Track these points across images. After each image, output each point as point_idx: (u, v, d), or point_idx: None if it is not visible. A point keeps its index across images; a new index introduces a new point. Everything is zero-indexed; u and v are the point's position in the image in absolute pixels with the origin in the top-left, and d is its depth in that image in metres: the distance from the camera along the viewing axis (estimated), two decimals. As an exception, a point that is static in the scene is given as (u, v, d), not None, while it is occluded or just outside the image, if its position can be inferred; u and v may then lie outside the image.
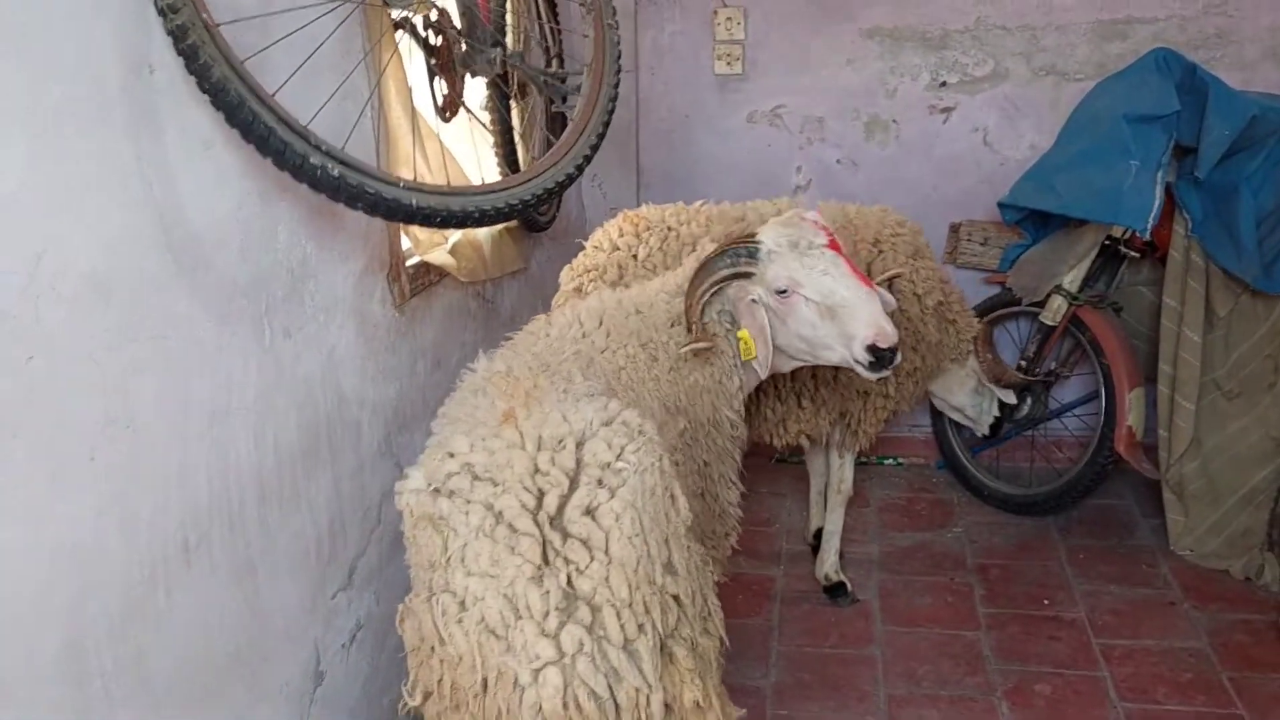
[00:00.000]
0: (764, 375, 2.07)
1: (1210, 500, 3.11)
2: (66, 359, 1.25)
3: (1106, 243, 3.11)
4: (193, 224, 1.50)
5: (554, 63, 2.94)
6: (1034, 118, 3.59)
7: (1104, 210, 2.92)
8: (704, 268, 2.00)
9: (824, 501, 3.13)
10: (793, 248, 2.01)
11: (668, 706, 1.38)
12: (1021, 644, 2.77)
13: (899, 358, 2.01)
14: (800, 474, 3.39)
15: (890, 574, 3.17)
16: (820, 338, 2.02)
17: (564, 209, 3.45)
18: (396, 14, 1.98)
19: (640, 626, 1.34)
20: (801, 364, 2.18)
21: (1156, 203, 2.82)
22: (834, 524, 3.04)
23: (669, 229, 2.62)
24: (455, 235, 2.50)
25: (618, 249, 2.62)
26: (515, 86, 2.81)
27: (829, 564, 3.04)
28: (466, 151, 2.58)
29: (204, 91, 1.38)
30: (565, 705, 1.31)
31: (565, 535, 1.35)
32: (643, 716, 1.34)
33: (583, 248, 2.71)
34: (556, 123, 2.96)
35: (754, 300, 2.03)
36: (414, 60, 2.13)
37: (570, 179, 2.06)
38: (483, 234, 2.69)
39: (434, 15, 1.98)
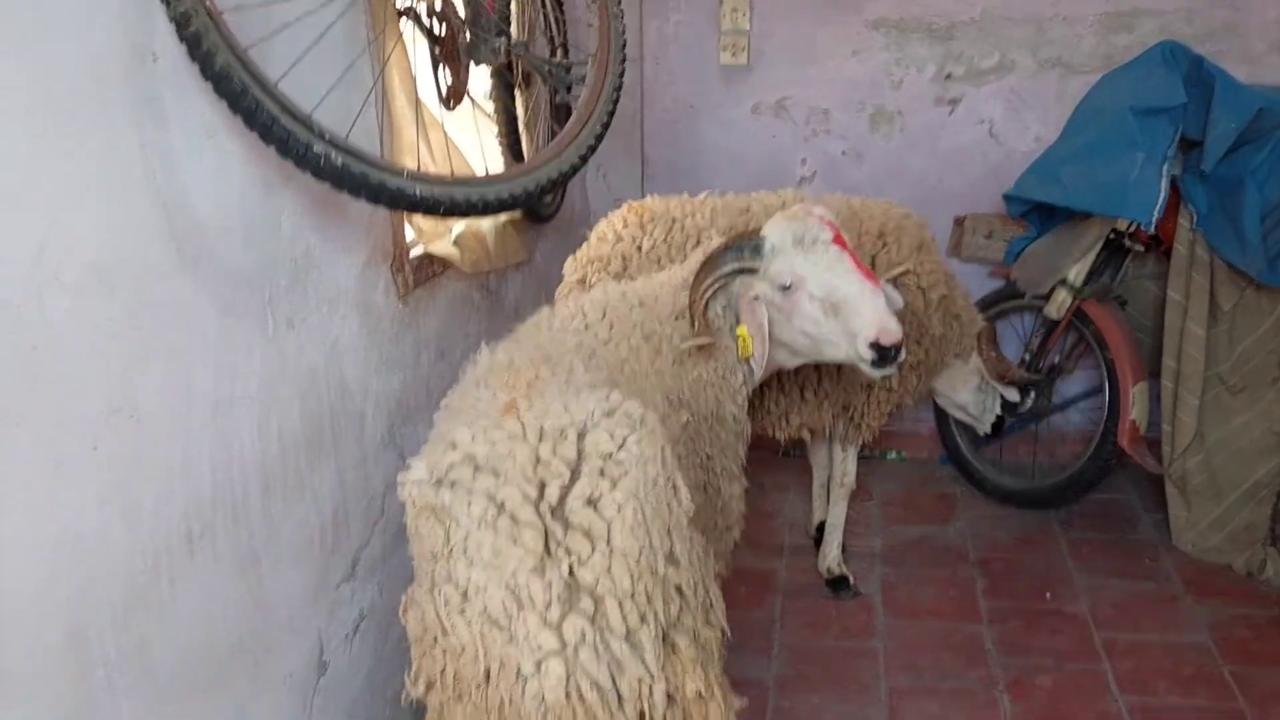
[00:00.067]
0: (759, 374, 2.06)
1: (1213, 495, 3.10)
2: (70, 348, 1.25)
3: (1111, 236, 3.10)
4: (196, 213, 1.50)
5: (559, 52, 2.93)
6: (1040, 110, 3.58)
7: (1109, 203, 2.91)
8: (708, 262, 1.99)
9: (826, 495, 3.13)
10: (797, 243, 2.00)
11: (670, 697, 1.38)
12: (1023, 637, 2.77)
13: (904, 355, 2.00)
14: (803, 467, 3.39)
15: (892, 567, 3.17)
16: (824, 334, 2.02)
17: (568, 200, 3.44)
18: (401, 2, 1.97)
19: (642, 617, 1.34)
20: (806, 361, 2.18)
21: (1161, 196, 2.80)
22: (836, 517, 3.04)
23: (673, 220, 2.61)
24: (459, 226, 2.49)
25: (622, 240, 2.62)
26: (520, 76, 2.80)
27: (831, 557, 3.04)
28: (470, 141, 2.58)
29: (207, 79, 1.37)
30: (568, 695, 1.31)
31: (567, 526, 1.35)
32: (645, 707, 1.34)
33: (587, 239, 2.70)
34: (561, 113, 2.95)
35: (756, 297, 2.02)
36: (418, 49, 2.13)
37: (575, 169, 2.05)
38: (486, 225, 2.68)
39: (438, 3, 1.97)
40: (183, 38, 1.34)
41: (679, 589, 1.43)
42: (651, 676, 1.35)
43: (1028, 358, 3.31)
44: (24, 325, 1.18)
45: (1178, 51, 2.87)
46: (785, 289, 2.01)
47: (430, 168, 2.15)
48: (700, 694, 1.41)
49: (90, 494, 1.29)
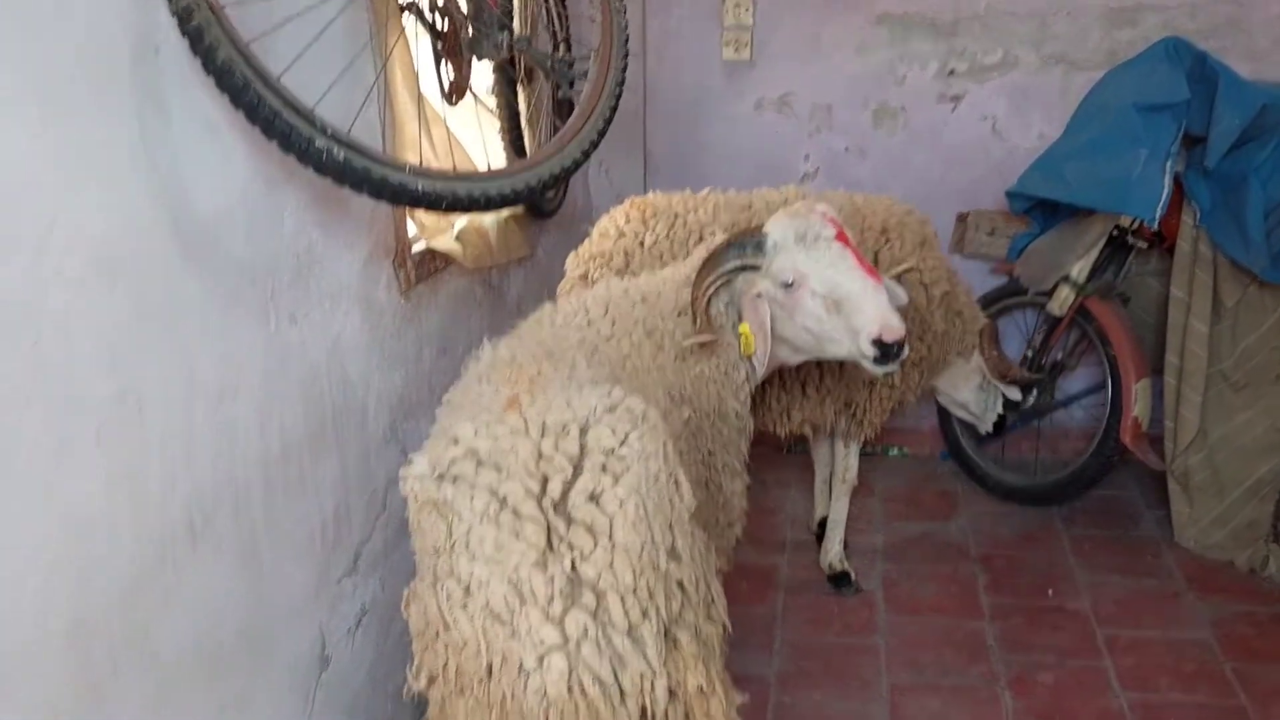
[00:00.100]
0: (761, 372, 2.06)
1: (1215, 492, 3.10)
2: (73, 339, 1.25)
3: (1114, 233, 3.10)
4: (198, 207, 1.50)
5: (561, 47, 2.92)
6: (1043, 106, 3.57)
7: (1112, 200, 2.91)
8: (711, 259, 1.99)
9: (829, 491, 3.13)
10: (799, 240, 2.00)
11: (671, 692, 1.38)
12: (1025, 634, 2.77)
13: (906, 352, 1.99)
14: (805, 463, 3.39)
15: (894, 563, 3.17)
16: (826, 331, 2.01)
17: (570, 195, 3.44)
18: (403, -3, 1.97)
19: (644, 612, 1.34)
20: (809, 358, 2.17)
21: (1165, 192, 2.80)
22: (838, 513, 3.04)
23: (676, 216, 2.61)
24: (461, 221, 2.49)
25: (624, 236, 2.62)
26: (522, 71, 2.80)
27: (833, 553, 3.04)
28: (473, 136, 2.58)
29: (209, 74, 1.37)
30: (570, 690, 1.31)
31: (569, 521, 1.35)
32: (647, 702, 1.34)
33: (589, 235, 2.70)
34: (563, 108, 2.95)
35: (759, 295, 2.02)
36: (420, 44, 2.12)
37: (577, 165, 2.05)
38: (489, 220, 2.68)
39: (441, -1, 1.97)
40: (185, 32, 1.34)
41: (681, 584, 1.43)
42: (653, 671, 1.35)
43: (1030, 354, 3.31)
44: (27, 315, 1.18)
45: (1181, 48, 2.86)
46: (787, 286, 2.00)
47: (432, 163, 2.15)
48: (702, 689, 1.41)
49: (94, 481, 1.29)
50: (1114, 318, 3.21)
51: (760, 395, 2.63)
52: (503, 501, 1.35)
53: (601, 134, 2.13)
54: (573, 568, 1.33)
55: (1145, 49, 2.95)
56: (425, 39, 2.02)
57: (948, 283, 2.74)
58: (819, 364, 2.61)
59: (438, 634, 1.42)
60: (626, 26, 2.31)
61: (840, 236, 2.02)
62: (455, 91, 2.07)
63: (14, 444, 1.17)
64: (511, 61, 2.64)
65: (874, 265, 2.22)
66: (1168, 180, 2.80)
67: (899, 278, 2.36)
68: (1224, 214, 2.88)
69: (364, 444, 2.04)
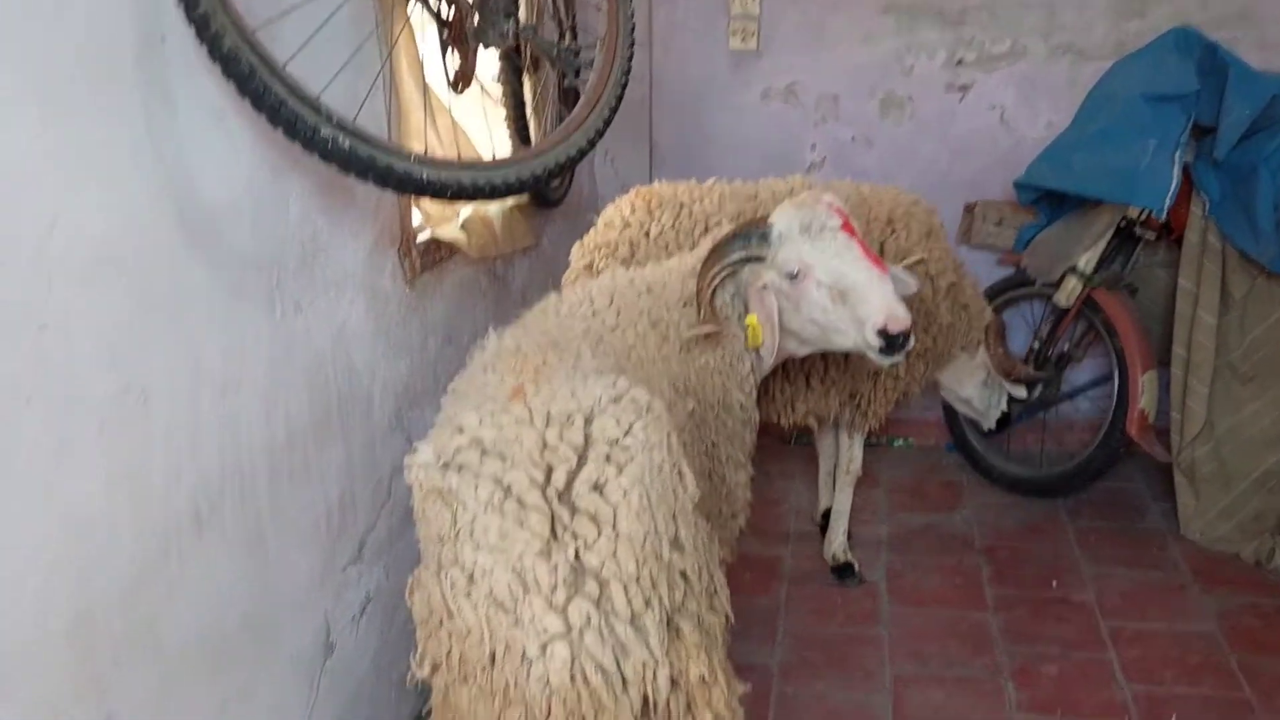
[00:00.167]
0: (769, 363, 2.06)
1: (1222, 484, 3.09)
2: (77, 329, 1.25)
3: (1122, 224, 3.08)
4: (204, 196, 1.50)
5: (567, 36, 2.92)
6: (1051, 97, 3.55)
7: (1120, 190, 2.89)
8: (716, 250, 1.99)
9: (833, 482, 3.12)
10: (804, 230, 1.99)
11: (674, 681, 1.38)
12: (1029, 625, 2.77)
13: (912, 342, 1.98)
14: (809, 454, 3.39)
15: (898, 554, 3.17)
16: (832, 322, 2.01)
17: (576, 185, 3.43)
18: (409, -14, 1.97)
19: (647, 601, 1.35)
20: (815, 349, 2.17)
21: (1173, 183, 2.79)
22: (842, 504, 3.04)
23: (681, 206, 2.60)
24: (466, 210, 2.49)
25: (629, 226, 2.61)
26: (528, 60, 2.79)
27: (837, 544, 3.04)
28: (478, 125, 2.57)
29: (215, 61, 1.37)
30: (573, 678, 1.31)
31: (573, 510, 1.35)
32: (649, 690, 1.35)
33: (594, 224, 2.70)
34: (569, 97, 2.95)
35: (765, 286, 2.01)
36: (426, 32, 2.12)
37: (582, 154, 2.04)
38: (494, 209, 2.68)
39: (446, -13, 1.96)
40: (191, 19, 1.34)
41: (684, 574, 1.43)
42: (656, 660, 1.35)
43: (1037, 345, 3.30)
44: (32, 305, 1.18)
45: (1190, 38, 2.85)
46: (793, 277, 2.00)
47: (437, 151, 2.15)
48: (704, 678, 1.41)
49: (95, 481, 1.30)
50: (1121, 309, 3.20)
51: (764, 387, 2.62)
52: (507, 490, 1.35)
53: (607, 123, 2.12)
54: (576, 557, 1.33)
55: (1154, 39, 2.94)
56: (431, 27, 2.02)
57: (954, 274, 2.73)
58: (824, 355, 2.60)
59: (441, 622, 1.42)
60: (632, 15, 2.30)
61: (846, 227, 2.01)
62: (461, 80, 2.06)
63: (14, 443, 1.17)
64: (517, 50, 2.63)
65: (880, 255, 2.21)
66: (1176, 171, 2.79)
67: (910, 268, 2.35)
68: (1233, 205, 2.87)
69: (369, 432, 2.04)
